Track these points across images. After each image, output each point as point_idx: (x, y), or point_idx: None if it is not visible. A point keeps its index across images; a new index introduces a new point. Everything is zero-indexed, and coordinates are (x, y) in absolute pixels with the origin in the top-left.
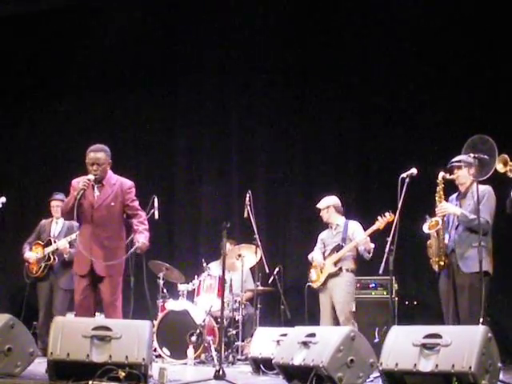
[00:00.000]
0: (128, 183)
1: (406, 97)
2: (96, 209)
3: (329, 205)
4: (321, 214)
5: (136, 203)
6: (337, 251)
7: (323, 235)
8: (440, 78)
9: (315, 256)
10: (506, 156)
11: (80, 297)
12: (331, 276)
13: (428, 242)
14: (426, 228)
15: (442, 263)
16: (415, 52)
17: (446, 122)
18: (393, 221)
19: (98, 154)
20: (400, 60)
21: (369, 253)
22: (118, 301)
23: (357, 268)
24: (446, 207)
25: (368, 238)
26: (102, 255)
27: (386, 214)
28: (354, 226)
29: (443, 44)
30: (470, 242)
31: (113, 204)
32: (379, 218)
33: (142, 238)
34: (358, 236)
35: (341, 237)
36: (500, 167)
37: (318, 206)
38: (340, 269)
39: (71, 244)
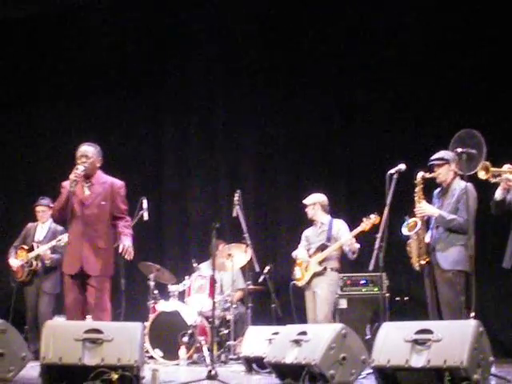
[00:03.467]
0: (119, 183)
1: (393, 93)
2: (86, 207)
3: (315, 202)
4: (306, 210)
5: (124, 206)
6: (322, 250)
7: (308, 232)
8: (426, 74)
9: (300, 253)
10: (488, 163)
11: (70, 299)
12: (316, 275)
13: (407, 243)
14: (404, 230)
15: (422, 262)
16: (401, 48)
17: (432, 117)
18: (378, 223)
19: (87, 147)
20: (385, 56)
21: (354, 253)
22: (105, 304)
23: (341, 266)
24: (425, 208)
25: (353, 239)
26: (92, 254)
27: (372, 215)
28: (339, 225)
29: (429, 41)
30: (450, 241)
31: (103, 203)
32: (364, 219)
33: (127, 242)
34: (343, 235)
35: (325, 236)
36: (482, 174)
37: (305, 201)
38: (325, 268)
39: (54, 250)
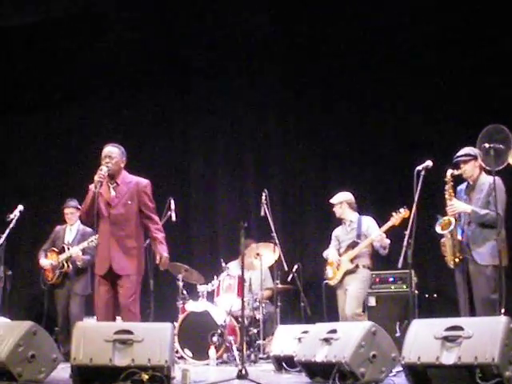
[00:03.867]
0: (144, 182)
1: (420, 88)
2: (113, 207)
3: (342, 200)
4: (334, 210)
5: (151, 204)
6: (352, 248)
7: (337, 232)
8: (454, 68)
9: (330, 253)
10: None
11: (101, 300)
12: (348, 273)
13: (441, 241)
14: (438, 229)
15: (457, 260)
16: (431, 40)
17: (460, 112)
18: (408, 217)
19: (111, 148)
20: (414, 50)
21: (384, 249)
22: (135, 304)
23: (373, 263)
24: (457, 206)
25: (383, 235)
26: (121, 254)
27: (401, 209)
28: (368, 222)
29: (459, 33)
30: (484, 236)
31: (130, 202)
32: (394, 214)
33: (164, 251)
34: (373, 232)
35: (355, 233)
36: None
37: (331, 201)
38: (357, 265)
39: (84, 251)
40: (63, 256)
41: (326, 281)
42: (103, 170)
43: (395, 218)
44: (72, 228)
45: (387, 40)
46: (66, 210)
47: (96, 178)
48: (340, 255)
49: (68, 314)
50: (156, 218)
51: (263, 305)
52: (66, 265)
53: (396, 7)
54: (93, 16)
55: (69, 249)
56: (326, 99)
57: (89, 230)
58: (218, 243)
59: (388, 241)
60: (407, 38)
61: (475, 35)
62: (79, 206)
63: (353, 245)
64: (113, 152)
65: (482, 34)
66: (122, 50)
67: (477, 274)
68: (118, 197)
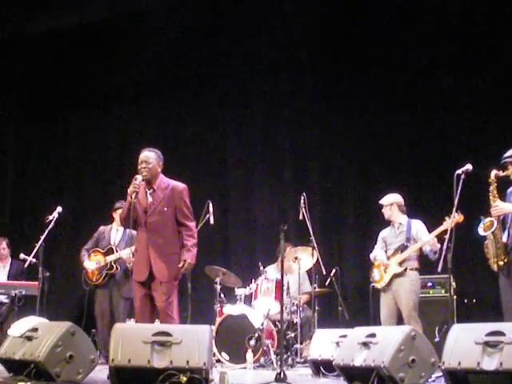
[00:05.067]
0: (180, 187)
1: (459, 93)
2: (149, 215)
3: (392, 202)
4: (383, 211)
5: (187, 210)
6: (401, 251)
7: (384, 234)
8: (493, 72)
9: (378, 255)
10: None
11: (140, 304)
12: (396, 276)
13: (485, 243)
14: (481, 230)
15: (501, 263)
16: (470, 45)
17: (499, 116)
18: (463, 221)
19: (147, 153)
20: (452, 57)
21: (435, 253)
22: (172, 308)
23: (421, 266)
24: (502, 207)
25: (435, 239)
26: (159, 261)
27: (455, 214)
28: (418, 226)
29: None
30: None
31: (166, 209)
32: (447, 218)
33: (188, 257)
34: (423, 236)
35: (405, 236)
36: None
37: (381, 201)
38: (405, 269)
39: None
40: (111, 257)
41: (373, 283)
42: (138, 180)
43: (448, 223)
44: (119, 229)
45: (429, 41)
46: (119, 211)
47: (131, 188)
48: (387, 258)
49: (109, 315)
50: (190, 224)
51: (301, 309)
52: (114, 266)
53: None
54: (130, 17)
55: (117, 250)
56: (363, 102)
57: (135, 232)
58: (256, 247)
59: (439, 245)
60: (453, 39)
61: None
62: None
63: (402, 248)
64: (149, 157)
65: None
66: (161, 57)
67: None
68: (154, 203)
